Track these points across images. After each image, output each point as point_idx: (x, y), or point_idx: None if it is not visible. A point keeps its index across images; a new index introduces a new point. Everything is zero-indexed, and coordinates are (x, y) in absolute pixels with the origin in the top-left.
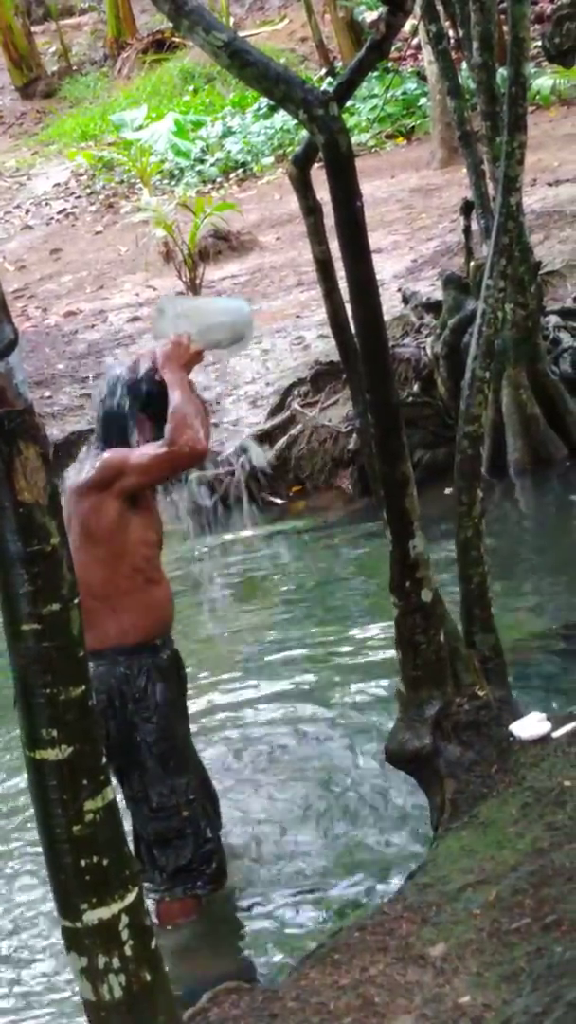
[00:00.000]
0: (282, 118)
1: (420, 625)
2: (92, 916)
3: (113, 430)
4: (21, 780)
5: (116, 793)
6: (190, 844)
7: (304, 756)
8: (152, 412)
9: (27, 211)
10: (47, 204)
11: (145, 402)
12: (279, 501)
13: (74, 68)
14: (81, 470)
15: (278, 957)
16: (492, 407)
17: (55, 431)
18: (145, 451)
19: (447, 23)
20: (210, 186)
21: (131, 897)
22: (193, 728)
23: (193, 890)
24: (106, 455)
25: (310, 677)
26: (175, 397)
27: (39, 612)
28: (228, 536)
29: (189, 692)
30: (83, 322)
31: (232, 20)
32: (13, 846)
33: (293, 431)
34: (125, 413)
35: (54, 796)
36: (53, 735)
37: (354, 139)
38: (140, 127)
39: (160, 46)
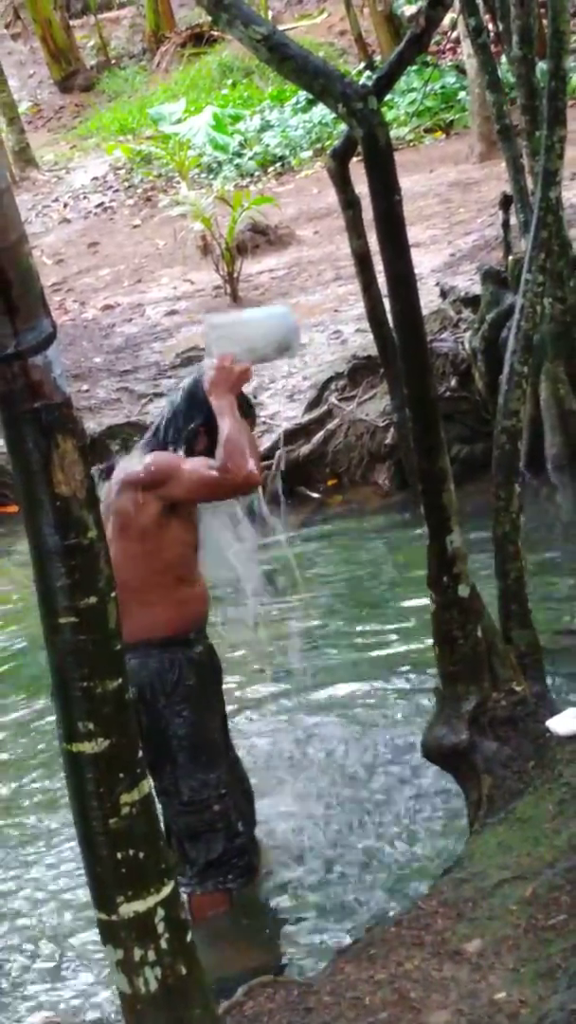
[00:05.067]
0: (320, 112)
1: (457, 620)
2: (128, 909)
3: (170, 433)
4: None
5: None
6: (221, 838)
7: (337, 751)
8: (209, 428)
9: (65, 205)
10: (85, 198)
11: (207, 416)
12: (315, 495)
13: (112, 62)
14: (130, 464)
15: (313, 951)
16: (530, 402)
17: (92, 424)
18: (197, 468)
19: (487, 17)
20: (248, 180)
21: (167, 890)
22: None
23: (224, 884)
24: (158, 457)
25: (345, 671)
26: (225, 425)
27: (76, 605)
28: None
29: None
30: (121, 316)
31: (271, 14)
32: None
33: (330, 425)
34: (185, 424)
35: (90, 789)
36: (89, 728)
37: (393, 133)
38: (178, 121)
39: (199, 40)
